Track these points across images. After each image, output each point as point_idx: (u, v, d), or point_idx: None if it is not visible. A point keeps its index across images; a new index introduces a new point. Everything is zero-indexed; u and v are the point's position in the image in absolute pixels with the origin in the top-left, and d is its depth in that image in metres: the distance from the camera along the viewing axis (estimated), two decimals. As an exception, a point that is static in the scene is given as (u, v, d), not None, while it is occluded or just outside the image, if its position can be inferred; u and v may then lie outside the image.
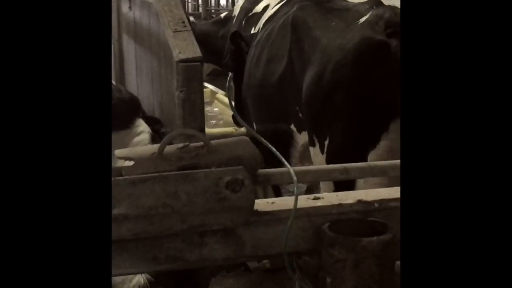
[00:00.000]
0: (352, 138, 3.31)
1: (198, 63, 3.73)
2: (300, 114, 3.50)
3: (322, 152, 3.45)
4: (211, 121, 4.84)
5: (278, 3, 4.15)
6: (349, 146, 3.33)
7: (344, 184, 3.41)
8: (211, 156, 1.25)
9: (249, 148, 1.27)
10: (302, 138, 3.57)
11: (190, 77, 3.75)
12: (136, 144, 1.54)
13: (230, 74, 1.40)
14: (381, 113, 3.12)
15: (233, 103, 1.24)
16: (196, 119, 3.80)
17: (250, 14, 4.51)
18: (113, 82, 1.60)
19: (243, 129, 4.45)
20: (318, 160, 3.49)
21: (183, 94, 3.81)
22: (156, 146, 1.27)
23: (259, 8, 4.47)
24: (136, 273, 1.32)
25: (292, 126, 3.61)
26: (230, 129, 4.43)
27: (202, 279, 1.64)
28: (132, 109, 1.58)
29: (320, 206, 1.31)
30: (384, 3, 3.39)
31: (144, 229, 1.22)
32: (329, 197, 1.33)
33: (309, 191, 4.66)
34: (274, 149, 1.30)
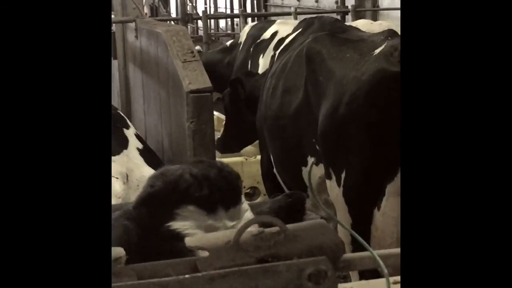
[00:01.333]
0: (369, 171, 3.26)
1: (209, 94, 3.65)
2: (317, 146, 3.45)
3: (338, 185, 3.39)
4: (219, 149, 4.82)
5: (293, 32, 4.10)
6: (366, 179, 3.28)
7: (362, 218, 3.37)
8: (291, 245, 1.18)
9: (329, 233, 1.20)
10: (319, 170, 3.51)
11: (201, 108, 3.67)
12: (245, 220, 1.48)
13: (312, 160, 1.34)
14: (398, 146, 3.07)
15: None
16: (207, 150, 3.70)
17: (258, 41, 4.47)
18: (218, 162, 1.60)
19: (252, 158, 4.40)
20: (334, 193, 3.44)
21: (193, 125, 3.71)
22: (229, 234, 1.19)
23: (267, 34, 4.44)
24: None
25: (309, 158, 3.56)
26: (240, 158, 4.37)
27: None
28: (240, 186, 1.55)
29: (402, 292, 1.23)
30: (400, 34, 3.35)
31: (223, 327, 1.14)
32: (408, 281, 1.26)
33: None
34: (356, 235, 1.23)
